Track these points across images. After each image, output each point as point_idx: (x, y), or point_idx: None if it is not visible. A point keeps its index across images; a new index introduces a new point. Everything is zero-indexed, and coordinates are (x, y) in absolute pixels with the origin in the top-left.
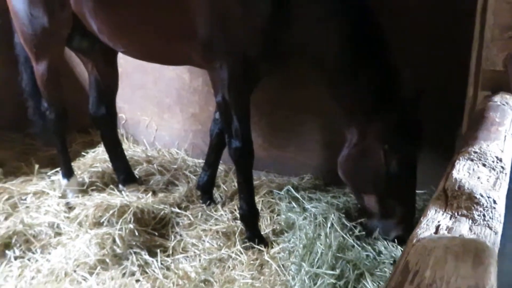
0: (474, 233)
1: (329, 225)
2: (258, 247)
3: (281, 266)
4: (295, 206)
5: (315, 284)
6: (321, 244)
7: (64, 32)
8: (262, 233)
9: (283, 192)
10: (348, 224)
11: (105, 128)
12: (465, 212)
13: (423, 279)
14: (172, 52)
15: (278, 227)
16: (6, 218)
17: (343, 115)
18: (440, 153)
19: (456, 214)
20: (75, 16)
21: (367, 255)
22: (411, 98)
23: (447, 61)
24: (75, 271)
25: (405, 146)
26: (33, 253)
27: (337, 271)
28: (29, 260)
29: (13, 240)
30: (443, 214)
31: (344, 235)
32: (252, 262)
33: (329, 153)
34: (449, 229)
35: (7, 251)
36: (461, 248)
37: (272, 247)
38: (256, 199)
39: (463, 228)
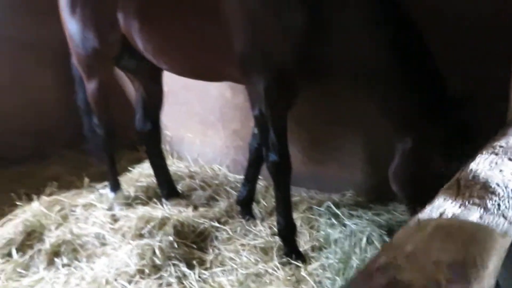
0: (484, 221)
1: (366, 240)
2: (296, 262)
3: (318, 282)
4: (335, 222)
5: None
6: (356, 259)
7: (113, 53)
8: (300, 249)
9: (323, 208)
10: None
11: (150, 143)
12: (477, 201)
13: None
14: (212, 68)
15: (317, 244)
16: (56, 228)
17: (394, 127)
18: None
19: (466, 203)
20: (124, 37)
21: None
22: (459, 103)
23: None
24: (116, 280)
25: (461, 150)
26: (79, 261)
27: None
28: (75, 268)
29: (62, 249)
30: (452, 203)
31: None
32: (288, 278)
33: (371, 169)
34: (455, 216)
35: (56, 259)
36: (456, 228)
37: (310, 263)
38: (295, 215)
39: (472, 216)
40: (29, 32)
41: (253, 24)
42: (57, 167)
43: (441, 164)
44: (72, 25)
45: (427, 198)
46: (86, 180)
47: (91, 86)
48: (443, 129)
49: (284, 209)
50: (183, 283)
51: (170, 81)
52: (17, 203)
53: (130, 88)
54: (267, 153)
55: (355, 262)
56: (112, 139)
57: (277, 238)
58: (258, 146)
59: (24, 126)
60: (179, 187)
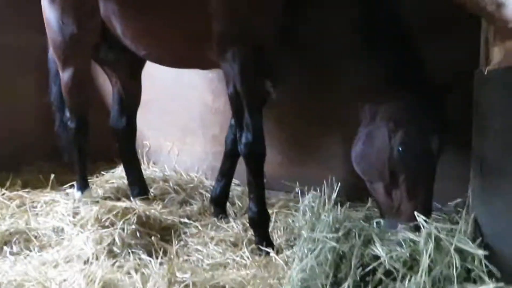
0: None
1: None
2: (266, 249)
3: (288, 263)
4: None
5: (314, 250)
6: (325, 216)
7: (91, 40)
8: (274, 243)
9: (299, 205)
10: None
11: (124, 141)
12: None
13: None
14: (190, 52)
15: (292, 237)
16: (11, 218)
17: (358, 98)
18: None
19: None
20: (104, 25)
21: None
22: (438, 84)
23: None
24: (66, 263)
25: (414, 126)
26: (31, 251)
27: (340, 234)
28: (24, 257)
29: (14, 239)
30: None
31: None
32: (257, 263)
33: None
34: None
35: (5, 247)
36: None
37: (281, 253)
38: (270, 211)
39: None
40: (9, 37)
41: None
42: (28, 174)
43: (389, 136)
44: (51, 12)
45: (376, 173)
46: (52, 175)
47: (66, 75)
48: (400, 100)
49: (256, 194)
50: (141, 271)
51: (151, 89)
52: None
53: (111, 100)
54: (241, 133)
55: (322, 221)
56: (83, 132)
57: (249, 233)
58: (235, 137)
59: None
60: (152, 190)
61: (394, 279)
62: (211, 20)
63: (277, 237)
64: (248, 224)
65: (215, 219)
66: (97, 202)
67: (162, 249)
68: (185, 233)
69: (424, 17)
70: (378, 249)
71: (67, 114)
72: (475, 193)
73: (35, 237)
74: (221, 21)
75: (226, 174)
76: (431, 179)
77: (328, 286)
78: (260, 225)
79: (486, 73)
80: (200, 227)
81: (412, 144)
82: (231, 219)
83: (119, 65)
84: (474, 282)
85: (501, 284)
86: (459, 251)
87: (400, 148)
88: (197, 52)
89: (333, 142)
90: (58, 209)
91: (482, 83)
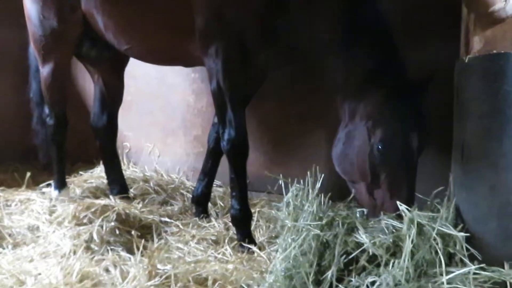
0: None
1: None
2: (248, 246)
3: (271, 258)
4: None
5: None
6: (308, 207)
7: (73, 35)
8: (257, 241)
9: (281, 204)
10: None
11: (104, 139)
12: None
13: None
14: (172, 47)
15: (274, 235)
16: None
17: (338, 96)
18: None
19: None
20: (85, 21)
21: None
22: (417, 81)
23: None
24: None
25: (392, 124)
26: (4, 248)
27: (323, 222)
28: None
29: None
30: None
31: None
32: (239, 259)
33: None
34: None
35: None
36: None
37: (264, 249)
38: (253, 209)
39: None
40: None
41: None
42: (2, 174)
43: (368, 134)
44: (32, 5)
45: (358, 176)
46: (29, 180)
47: (45, 70)
48: (378, 97)
49: (238, 191)
50: (120, 265)
51: (133, 89)
52: None
53: (91, 101)
54: (223, 130)
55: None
56: (62, 129)
57: (231, 232)
58: (217, 136)
59: None
60: (132, 190)
61: (378, 265)
62: (194, 14)
63: (260, 235)
64: (230, 223)
65: (197, 218)
66: (75, 201)
67: (142, 247)
68: (165, 231)
69: (403, 16)
70: (362, 236)
71: (46, 110)
72: (456, 180)
73: (9, 235)
74: (204, 16)
75: (208, 173)
76: (413, 176)
77: (312, 275)
78: (242, 223)
79: (466, 61)
80: (181, 226)
81: (391, 142)
82: (212, 219)
83: (101, 62)
84: (457, 265)
85: (483, 265)
86: (441, 236)
87: (379, 146)
88: (179, 47)
89: (316, 142)
90: (34, 208)
91: (463, 71)
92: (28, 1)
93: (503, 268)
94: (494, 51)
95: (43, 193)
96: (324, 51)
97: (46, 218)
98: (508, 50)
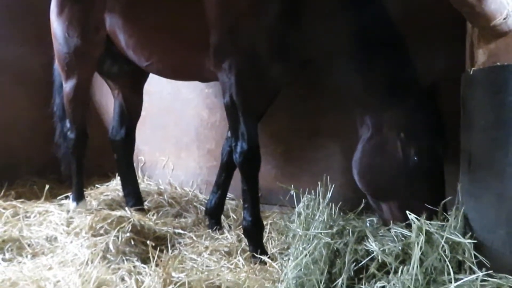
0: None
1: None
2: (261, 257)
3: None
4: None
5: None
6: (319, 216)
7: (96, 53)
8: (268, 253)
9: (293, 215)
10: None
11: (122, 152)
12: None
13: None
14: (190, 62)
15: (286, 246)
16: (4, 225)
17: (357, 109)
18: None
19: None
20: (109, 39)
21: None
22: (428, 89)
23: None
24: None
25: (424, 135)
26: (23, 257)
27: (334, 230)
28: (18, 263)
29: (6, 246)
30: None
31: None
32: (251, 269)
33: (346, 181)
34: None
35: None
36: None
37: (276, 260)
38: (265, 222)
39: None
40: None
41: (226, 7)
42: (22, 187)
43: (402, 148)
44: (58, 25)
45: (391, 191)
46: (47, 193)
47: (68, 85)
48: (406, 109)
49: (251, 204)
50: (134, 275)
51: (148, 105)
52: None
53: (110, 117)
54: (236, 143)
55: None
56: (82, 143)
57: (244, 244)
58: (231, 149)
59: None
60: (147, 203)
61: (387, 273)
62: (208, 25)
63: (272, 247)
64: (242, 235)
65: (210, 230)
66: (92, 212)
67: (156, 257)
68: (179, 243)
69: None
70: (371, 244)
71: (68, 124)
72: (464, 189)
73: (28, 245)
74: (218, 31)
75: (221, 186)
76: (444, 187)
77: (322, 282)
78: (254, 234)
79: (471, 73)
80: (194, 238)
81: (425, 154)
82: (225, 231)
83: (122, 78)
84: (465, 273)
85: (490, 271)
86: (450, 244)
87: (415, 159)
88: (197, 62)
89: (328, 156)
90: (52, 219)
91: (469, 83)
92: (54, 20)
93: (511, 275)
94: (498, 63)
95: (61, 205)
96: (339, 64)
97: (63, 229)
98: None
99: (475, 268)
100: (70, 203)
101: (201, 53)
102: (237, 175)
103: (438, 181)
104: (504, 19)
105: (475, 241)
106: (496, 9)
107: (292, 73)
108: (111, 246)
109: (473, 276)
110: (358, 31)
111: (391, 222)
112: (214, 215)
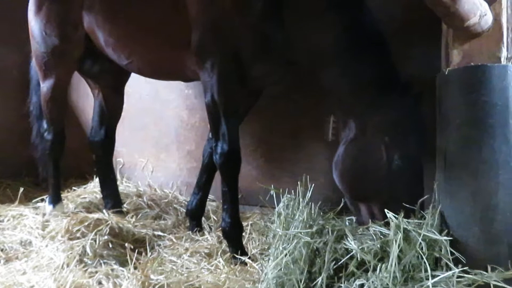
0: None
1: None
2: (241, 257)
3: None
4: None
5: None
6: (299, 216)
7: (74, 52)
8: (249, 254)
9: (273, 216)
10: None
11: (101, 153)
12: None
13: None
14: (171, 61)
15: (266, 247)
16: None
17: (341, 111)
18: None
19: None
20: (88, 38)
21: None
22: (412, 95)
23: None
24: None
25: (408, 138)
26: None
27: (314, 229)
28: None
29: None
30: None
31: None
32: (231, 270)
33: (326, 180)
34: None
35: None
36: None
37: (256, 261)
38: (245, 223)
39: None
40: None
41: (208, 7)
42: None
43: (386, 152)
44: (35, 23)
45: (372, 193)
46: (22, 196)
47: (46, 85)
48: (391, 114)
49: (230, 205)
50: (112, 279)
51: (127, 106)
52: None
53: (87, 118)
54: (217, 143)
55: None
56: (59, 144)
57: (224, 245)
58: (212, 150)
59: None
60: (126, 205)
61: (366, 271)
62: (190, 25)
63: (252, 247)
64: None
65: (190, 232)
66: (68, 215)
67: (135, 260)
68: (159, 245)
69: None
70: (350, 243)
71: (45, 125)
72: (440, 187)
73: (1, 250)
74: (199, 30)
75: (203, 187)
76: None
77: (302, 282)
78: (234, 236)
79: (446, 73)
80: (174, 240)
81: (408, 158)
82: (206, 232)
83: (103, 77)
84: (442, 269)
85: (466, 268)
86: (427, 241)
87: (398, 162)
88: (179, 61)
89: (308, 157)
90: (27, 222)
91: (443, 83)
92: (32, 18)
93: (486, 271)
94: (472, 64)
95: (37, 208)
96: (323, 65)
97: (38, 233)
98: (485, 63)
99: (451, 265)
100: (47, 206)
101: (182, 52)
102: (218, 177)
103: (418, 183)
104: (479, 16)
105: (451, 238)
106: (469, 9)
107: (275, 74)
108: (88, 249)
109: (450, 273)
110: (342, 33)
111: (370, 222)
112: (195, 217)
